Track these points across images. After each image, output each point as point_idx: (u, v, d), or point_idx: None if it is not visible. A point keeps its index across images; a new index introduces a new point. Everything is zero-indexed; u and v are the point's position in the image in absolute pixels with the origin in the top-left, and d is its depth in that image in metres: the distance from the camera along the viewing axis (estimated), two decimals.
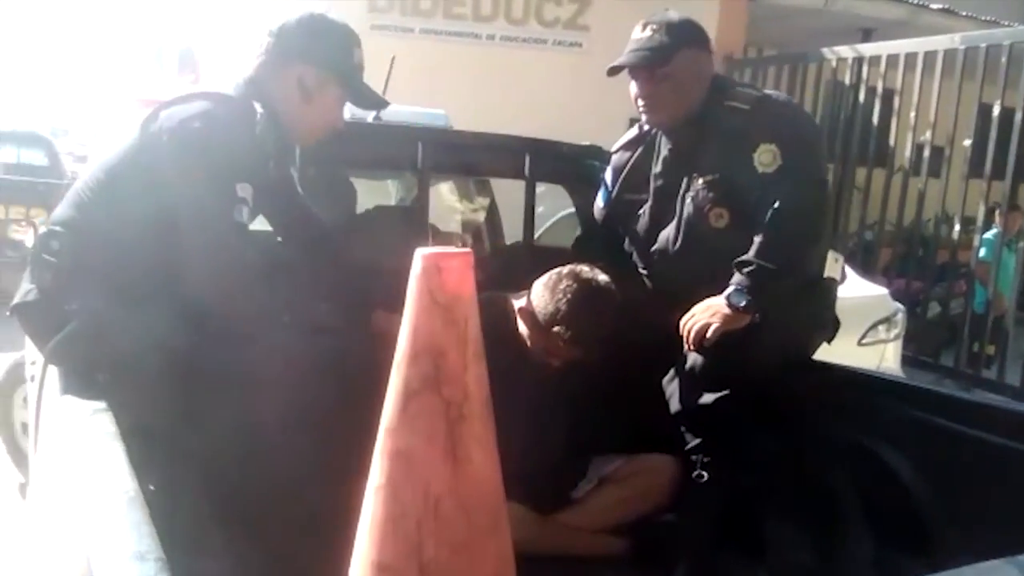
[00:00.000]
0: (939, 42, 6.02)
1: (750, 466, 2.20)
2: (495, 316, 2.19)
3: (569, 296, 2.09)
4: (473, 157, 2.94)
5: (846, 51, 6.84)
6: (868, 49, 6.78)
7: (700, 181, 2.19)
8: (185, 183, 1.77)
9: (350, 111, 2.46)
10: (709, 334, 2.08)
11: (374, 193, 3.84)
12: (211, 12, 7.28)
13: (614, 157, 2.46)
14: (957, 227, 6.35)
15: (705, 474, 2.20)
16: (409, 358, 1.13)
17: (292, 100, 1.97)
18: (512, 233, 3.30)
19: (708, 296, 2.12)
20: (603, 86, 2.24)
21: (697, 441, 2.25)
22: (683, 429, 2.27)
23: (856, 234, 7.20)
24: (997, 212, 6.21)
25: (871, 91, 6.63)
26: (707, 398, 2.21)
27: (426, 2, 7.74)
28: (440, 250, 1.13)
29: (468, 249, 1.15)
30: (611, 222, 2.48)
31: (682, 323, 2.15)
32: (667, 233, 2.28)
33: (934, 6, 9.04)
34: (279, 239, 2.23)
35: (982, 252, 6.22)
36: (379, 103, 2.17)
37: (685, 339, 2.14)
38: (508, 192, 3.32)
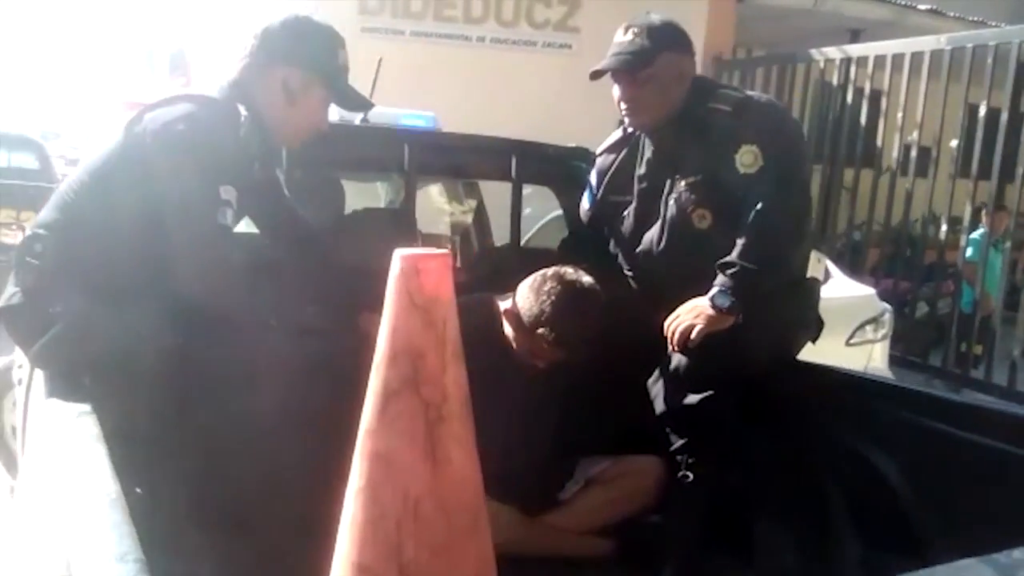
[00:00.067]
0: (926, 43, 6.04)
1: (735, 466, 2.21)
2: (481, 318, 2.20)
3: (553, 298, 2.10)
4: (460, 159, 2.95)
5: (834, 52, 6.86)
6: (855, 50, 6.80)
7: (683, 182, 2.20)
8: (169, 185, 1.77)
9: (338, 113, 2.47)
10: (693, 335, 2.10)
11: (363, 195, 3.85)
12: (202, 14, 7.26)
13: (598, 160, 2.47)
14: (944, 227, 6.37)
15: (690, 475, 2.21)
16: (388, 359, 1.13)
17: (276, 102, 1.97)
18: (502, 235, 3.31)
19: (692, 297, 2.14)
20: (593, 88, 2.25)
21: (682, 442, 2.26)
22: (668, 430, 2.29)
23: (844, 235, 7.22)
24: (984, 212, 6.24)
25: (859, 92, 6.65)
26: (692, 399, 2.23)
27: (416, 4, 7.73)
28: (418, 251, 1.14)
29: (446, 250, 1.16)
30: (596, 224, 2.49)
31: (666, 324, 2.16)
32: (651, 234, 2.30)
33: (922, 7, 9.08)
34: (265, 241, 2.23)
35: (969, 252, 6.25)
36: (364, 105, 2.17)
37: (669, 340, 2.15)
38: (497, 194, 3.33)
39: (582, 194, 2.53)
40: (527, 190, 2.99)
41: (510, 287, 2.23)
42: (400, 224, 2.76)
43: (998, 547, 1.16)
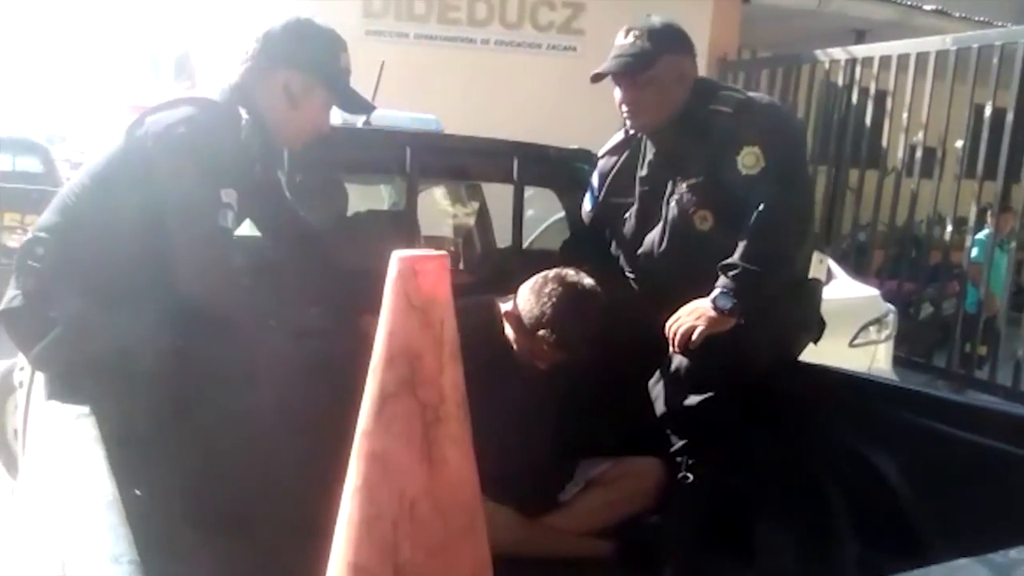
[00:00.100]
0: (931, 43, 6.03)
1: (736, 468, 2.21)
2: (482, 320, 2.21)
3: (554, 300, 2.10)
4: (462, 161, 2.95)
5: (839, 53, 6.85)
6: (860, 51, 6.79)
7: (684, 184, 2.20)
8: (170, 188, 1.78)
9: (341, 116, 2.48)
10: (694, 337, 2.09)
11: (366, 197, 3.86)
12: (207, 17, 7.28)
13: (600, 162, 2.48)
14: (949, 228, 6.35)
15: (690, 476, 2.21)
16: (385, 361, 1.14)
17: (278, 105, 1.98)
18: (505, 237, 3.31)
19: (693, 298, 2.13)
20: (598, 90, 2.25)
21: (682, 443, 2.26)
22: (668, 431, 2.28)
23: (849, 236, 7.20)
24: (989, 213, 6.22)
25: (864, 92, 6.64)
26: (692, 400, 2.23)
27: (420, 7, 7.74)
28: (416, 253, 1.14)
29: (443, 252, 1.16)
30: (598, 225, 2.49)
31: (667, 325, 2.16)
32: (653, 236, 2.30)
33: (927, 7, 9.05)
34: (266, 242, 2.24)
35: (974, 253, 6.22)
36: (366, 108, 2.17)
37: (670, 341, 2.15)
38: (500, 197, 3.33)
39: (583, 196, 2.53)
40: (530, 192, 2.99)
41: (512, 289, 2.23)
42: (402, 226, 2.77)
43: (997, 547, 1.16)
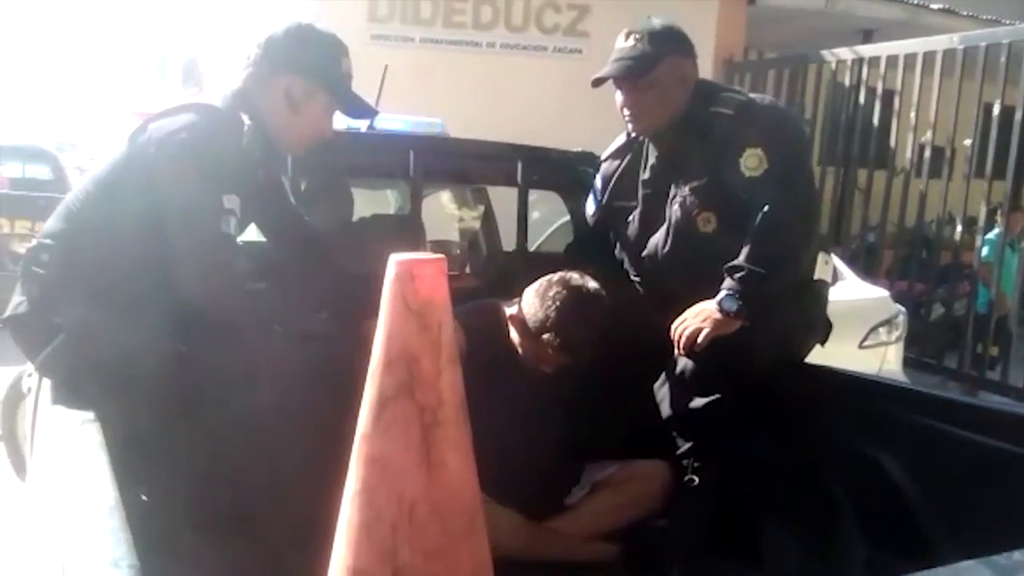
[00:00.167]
0: (938, 42, 6.00)
1: (742, 470, 2.20)
2: (487, 323, 2.21)
3: (558, 303, 2.10)
4: (466, 165, 2.96)
5: (845, 53, 6.82)
6: (867, 50, 6.77)
7: (687, 187, 2.20)
8: (172, 195, 1.78)
9: (346, 120, 2.48)
10: (700, 339, 2.09)
11: (372, 202, 3.86)
12: (215, 23, 7.31)
13: (603, 165, 2.47)
14: (959, 228, 6.32)
15: (696, 479, 2.20)
16: (383, 365, 1.14)
17: (280, 111, 1.98)
18: (512, 240, 3.31)
19: (698, 300, 2.13)
20: (604, 92, 2.25)
21: (688, 446, 2.25)
22: (674, 434, 2.28)
23: (859, 236, 7.17)
24: (999, 212, 6.19)
25: (871, 92, 6.61)
26: (698, 402, 2.22)
27: (426, 11, 7.76)
28: (413, 256, 1.14)
29: (441, 255, 1.16)
30: (602, 228, 2.49)
31: (673, 328, 2.15)
32: (656, 238, 2.29)
33: (934, 6, 9.02)
34: (271, 247, 2.24)
35: (984, 252, 6.19)
36: (368, 112, 2.17)
37: (676, 344, 2.14)
38: (507, 200, 3.33)
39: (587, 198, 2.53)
40: (536, 195, 2.98)
41: (517, 292, 2.23)
42: (406, 230, 2.77)
43: (1004, 549, 1.15)
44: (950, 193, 6.08)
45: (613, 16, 6.36)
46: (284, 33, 1.99)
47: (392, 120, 3.26)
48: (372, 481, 1.12)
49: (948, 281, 6.46)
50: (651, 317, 2.24)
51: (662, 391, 2.31)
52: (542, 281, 2.17)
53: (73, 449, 1.38)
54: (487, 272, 3.51)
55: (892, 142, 6.54)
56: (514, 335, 2.20)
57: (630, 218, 2.36)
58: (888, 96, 6.47)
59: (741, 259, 2.08)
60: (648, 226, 2.32)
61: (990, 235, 6.28)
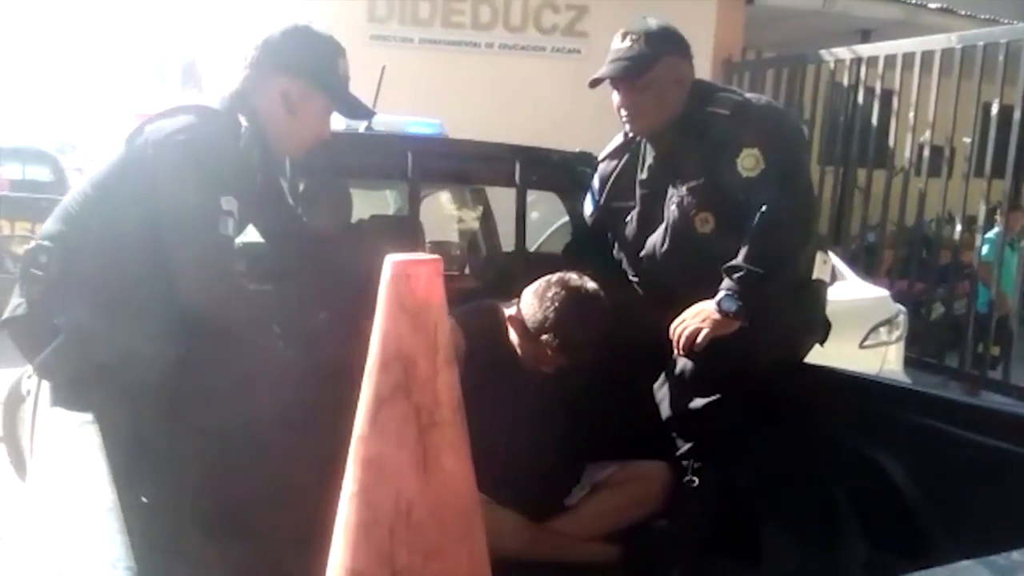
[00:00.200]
0: (936, 41, 6.01)
1: (742, 470, 2.20)
2: (486, 324, 2.21)
3: (557, 304, 2.09)
4: (464, 165, 2.95)
5: (844, 52, 6.83)
6: (866, 50, 6.77)
7: (684, 187, 2.20)
8: (170, 196, 1.78)
9: (344, 121, 2.48)
10: (699, 339, 2.09)
11: (371, 203, 3.86)
12: (214, 24, 7.32)
13: (601, 166, 2.47)
14: (959, 227, 6.32)
15: (697, 479, 2.20)
16: (379, 366, 1.14)
17: (277, 113, 1.98)
18: (510, 241, 3.31)
19: (697, 300, 2.13)
20: (603, 92, 2.25)
21: (688, 446, 2.25)
22: (674, 434, 2.27)
23: (858, 236, 7.17)
24: (999, 211, 6.19)
25: (870, 92, 6.61)
26: (697, 403, 2.22)
27: (424, 11, 7.76)
28: (409, 257, 1.14)
29: (437, 256, 1.16)
30: (600, 229, 2.49)
31: (672, 328, 2.15)
32: (654, 239, 2.29)
33: (932, 5, 9.02)
34: (270, 248, 2.24)
35: (984, 251, 6.19)
36: (366, 113, 2.17)
37: (675, 344, 2.14)
38: (506, 200, 3.34)
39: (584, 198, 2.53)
40: (535, 196, 2.98)
41: (517, 293, 2.22)
42: (405, 231, 2.77)
43: (1003, 549, 1.15)
44: (949, 192, 6.08)
45: (612, 16, 6.34)
46: (281, 34, 1.98)
47: (390, 122, 3.26)
48: (369, 482, 1.12)
49: (948, 280, 6.46)
50: (650, 317, 2.23)
51: (661, 391, 2.31)
52: (541, 282, 2.17)
53: (72, 450, 1.37)
54: (486, 273, 3.51)
55: (891, 142, 6.54)
56: (513, 336, 2.20)
57: (628, 218, 2.36)
58: (887, 96, 6.47)
59: (739, 259, 2.08)
60: (646, 226, 2.32)
61: (990, 234, 6.28)
